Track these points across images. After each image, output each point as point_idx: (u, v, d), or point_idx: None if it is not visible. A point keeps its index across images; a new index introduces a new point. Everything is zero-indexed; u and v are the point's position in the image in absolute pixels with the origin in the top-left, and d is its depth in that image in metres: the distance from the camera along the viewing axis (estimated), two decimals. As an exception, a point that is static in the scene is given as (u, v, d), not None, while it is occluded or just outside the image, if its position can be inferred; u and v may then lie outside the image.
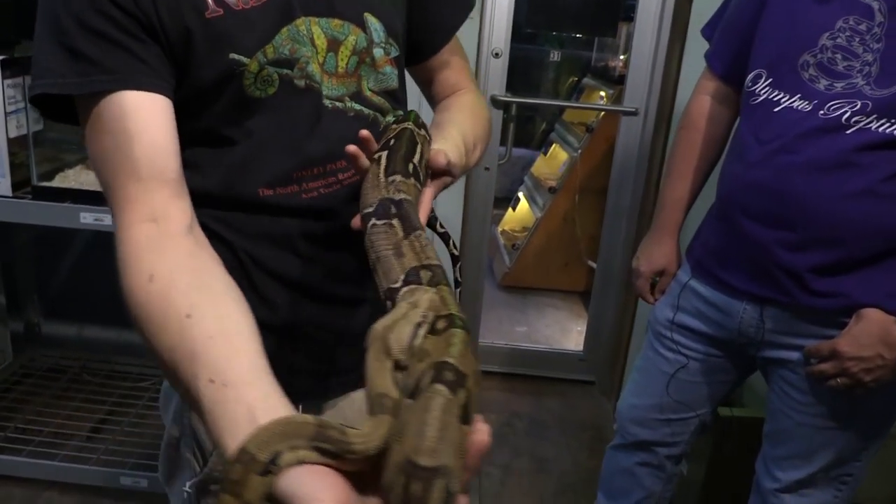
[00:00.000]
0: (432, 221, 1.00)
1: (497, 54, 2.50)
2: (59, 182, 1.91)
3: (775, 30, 1.26)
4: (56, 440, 2.14)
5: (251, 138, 0.81)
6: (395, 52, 0.89)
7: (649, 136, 2.56)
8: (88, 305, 2.56)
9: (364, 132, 0.79)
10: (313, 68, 0.81)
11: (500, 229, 3.97)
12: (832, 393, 1.26)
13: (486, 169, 2.65)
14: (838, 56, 1.18)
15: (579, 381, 2.94)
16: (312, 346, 0.91)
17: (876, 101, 1.14)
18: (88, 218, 1.81)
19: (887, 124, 1.13)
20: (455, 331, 0.55)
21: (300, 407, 0.90)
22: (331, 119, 0.84)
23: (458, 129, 0.88)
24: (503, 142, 2.67)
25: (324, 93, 0.83)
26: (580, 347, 2.98)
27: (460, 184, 2.48)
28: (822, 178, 1.17)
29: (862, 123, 1.15)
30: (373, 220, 0.70)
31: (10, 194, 1.84)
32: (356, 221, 0.76)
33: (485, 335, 2.92)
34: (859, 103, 1.15)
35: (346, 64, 0.84)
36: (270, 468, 0.47)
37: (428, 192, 0.78)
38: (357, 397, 0.97)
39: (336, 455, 0.48)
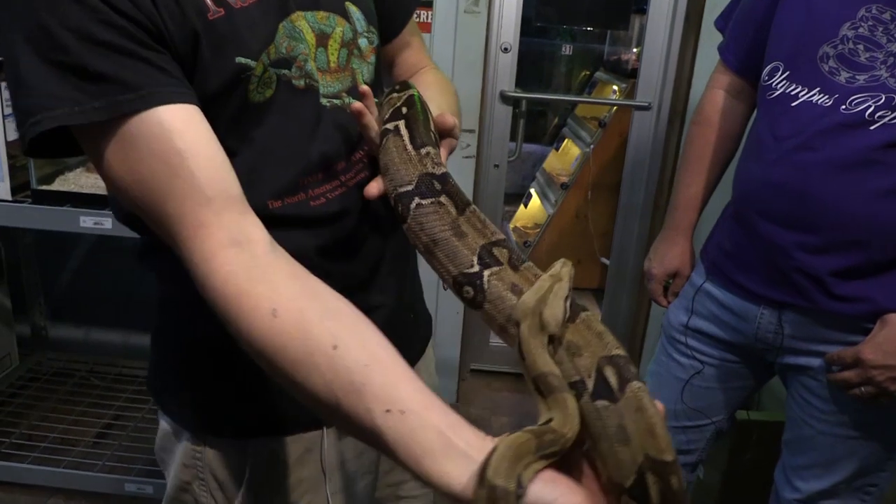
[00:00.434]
0: None
1: (506, 49, 2.45)
2: (59, 185, 1.88)
3: (792, 20, 1.19)
4: (62, 446, 2.12)
5: (253, 147, 0.75)
6: (376, 41, 0.86)
7: (663, 132, 2.51)
8: (95, 308, 2.55)
9: (364, 87, 0.76)
10: (311, 66, 0.77)
11: (511, 226, 3.92)
12: (855, 401, 1.20)
13: (496, 166, 2.60)
14: (860, 47, 1.12)
15: (593, 381, 2.88)
16: None
17: (901, 94, 1.07)
18: (88, 222, 1.78)
19: (913, 119, 1.07)
20: (588, 316, 0.57)
21: (324, 430, 0.88)
22: (330, 118, 0.79)
23: (435, 104, 0.85)
24: (513, 138, 2.62)
25: (321, 91, 0.78)
26: (593, 347, 2.92)
27: (469, 180, 2.44)
28: (845, 176, 1.11)
29: (887, 119, 1.08)
30: (416, 200, 0.66)
31: (10, 198, 1.81)
32: (372, 190, 0.73)
33: (496, 335, 2.87)
34: (884, 97, 1.08)
35: (337, 58, 0.80)
36: (520, 493, 0.49)
37: (444, 154, 0.75)
38: None
39: (558, 452, 0.52)
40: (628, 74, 3.35)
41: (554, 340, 0.57)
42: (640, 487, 0.51)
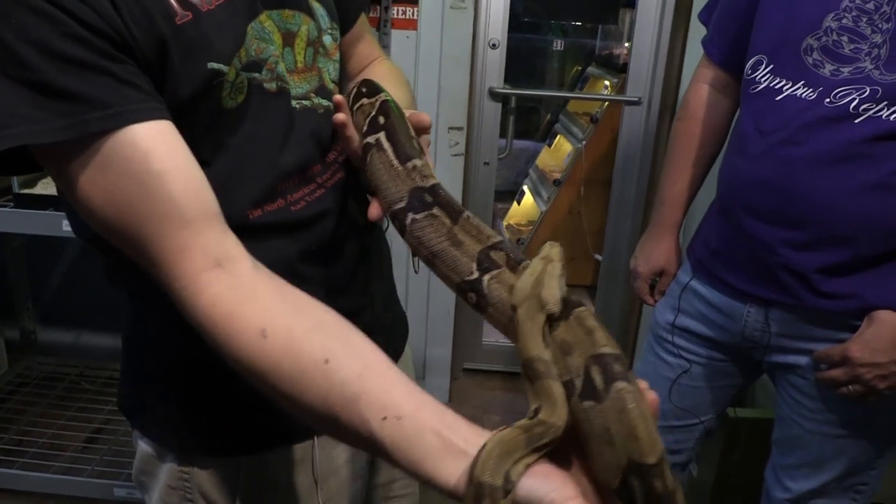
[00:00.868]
0: None
1: (494, 45, 2.43)
2: (41, 189, 1.86)
3: (775, 12, 1.17)
4: (50, 451, 2.11)
5: (227, 155, 0.72)
6: (339, 37, 0.84)
7: (653, 126, 2.49)
8: (85, 312, 2.53)
9: (338, 96, 0.74)
10: (282, 68, 0.74)
11: (505, 223, 3.90)
12: (844, 400, 1.18)
13: (486, 163, 2.58)
14: (844, 38, 1.09)
15: (586, 378, 2.87)
16: None
17: (886, 86, 1.05)
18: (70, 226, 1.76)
19: (899, 112, 1.05)
20: (581, 312, 0.56)
21: (315, 439, 0.86)
22: (301, 120, 0.77)
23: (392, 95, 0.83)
24: (503, 134, 2.60)
25: (291, 93, 0.76)
26: (587, 344, 2.91)
27: (458, 178, 2.42)
28: (830, 171, 1.09)
29: (871, 112, 1.06)
30: (411, 216, 0.66)
31: (-9, 202, 1.80)
32: (374, 213, 0.73)
33: (487, 333, 2.86)
34: (868, 89, 1.06)
35: (304, 57, 0.78)
36: (508, 488, 0.49)
37: (428, 160, 0.73)
38: None
39: (550, 443, 0.51)
40: (620, 69, 3.33)
41: (554, 320, 0.57)
42: (626, 491, 0.50)
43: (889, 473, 1.30)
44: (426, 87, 2.30)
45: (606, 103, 3.30)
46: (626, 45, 3.28)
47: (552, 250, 0.61)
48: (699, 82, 1.39)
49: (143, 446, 0.87)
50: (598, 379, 0.52)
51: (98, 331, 2.58)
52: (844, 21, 1.09)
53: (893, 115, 1.05)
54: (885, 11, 1.06)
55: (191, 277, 0.61)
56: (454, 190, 2.43)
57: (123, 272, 0.79)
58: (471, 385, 2.82)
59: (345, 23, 0.92)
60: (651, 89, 2.46)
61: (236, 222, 0.73)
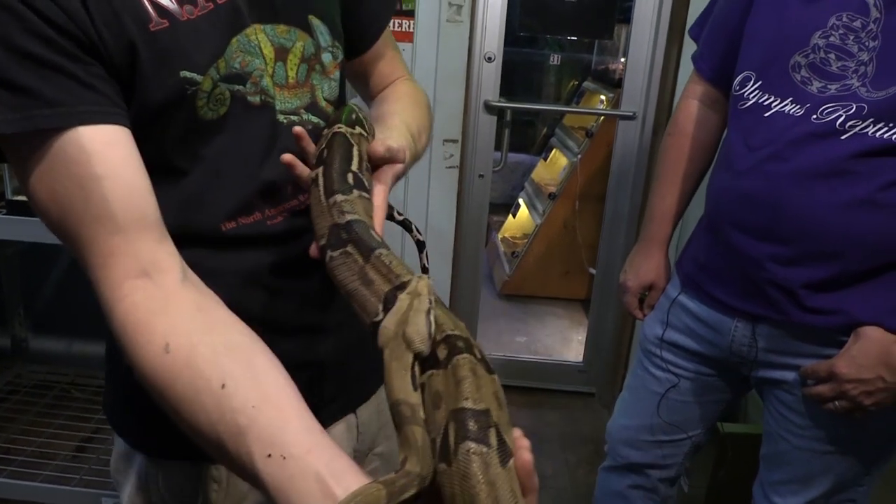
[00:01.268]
0: (389, 212, 0.95)
1: (490, 58, 2.44)
2: (34, 196, 1.86)
3: (763, 29, 1.18)
4: (39, 459, 2.09)
5: (205, 166, 0.72)
6: (341, 56, 0.83)
7: (648, 141, 2.50)
8: (76, 320, 2.51)
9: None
10: (267, 82, 0.74)
11: (500, 236, 3.91)
12: (831, 416, 1.18)
13: (481, 176, 2.59)
14: (832, 56, 1.10)
15: (579, 392, 2.86)
16: (309, 380, 0.84)
17: (872, 103, 1.06)
18: (63, 233, 1.76)
19: (885, 129, 1.05)
20: (458, 360, 0.52)
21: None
22: (287, 136, 0.76)
23: (401, 118, 0.83)
24: (498, 147, 2.61)
25: (277, 107, 0.76)
26: (580, 358, 2.91)
27: (453, 191, 2.43)
28: (816, 187, 1.09)
29: (858, 128, 1.06)
30: (329, 253, 0.65)
31: (-17, 209, 1.80)
32: (313, 251, 0.70)
33: (483, 346, 2.84)
34: (854, 106, 1.07)
35: (296, 73, 0.77)
36: None
37: (379, 189, 0.72)
38: (338, 430, 0.91)
39: (418, 495, 0.48)
40: (615, 84, 3.35)
41: (423, 359, 0.54)
42: None
43: (876, 490, 1.30)
44: (421, 99, 2.30)
45: (602, 118, 3.31)
46: (622, 60, 3.30)
47: (419, 283, 0.57)
48: (689, 98, 1.40)
49: (118, 444, 0.88)
50: (451, 438, 0.47)
51: (90, 339, 2.57)
52: (832, 39, 1.10)
53: (879, 132, 1.05)
54: (871, 30, 1.07)
55: (115, 283, 0.60)
56: (448, 202, 2.43)
57: None
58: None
59: (363, 41, 0.91)
60: (646, 104, 2.47)
61: (209, 232, 0.74)
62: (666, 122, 2.32)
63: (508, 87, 2.53)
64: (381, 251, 0.63)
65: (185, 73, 0.67)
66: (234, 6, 0.71)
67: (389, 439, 1.01)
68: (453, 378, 0.51)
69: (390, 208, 0.93)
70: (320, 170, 0.70)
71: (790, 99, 1.13)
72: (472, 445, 0.46)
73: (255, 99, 0.74)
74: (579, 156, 3.34)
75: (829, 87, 1.10)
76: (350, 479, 0.51)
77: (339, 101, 0.85)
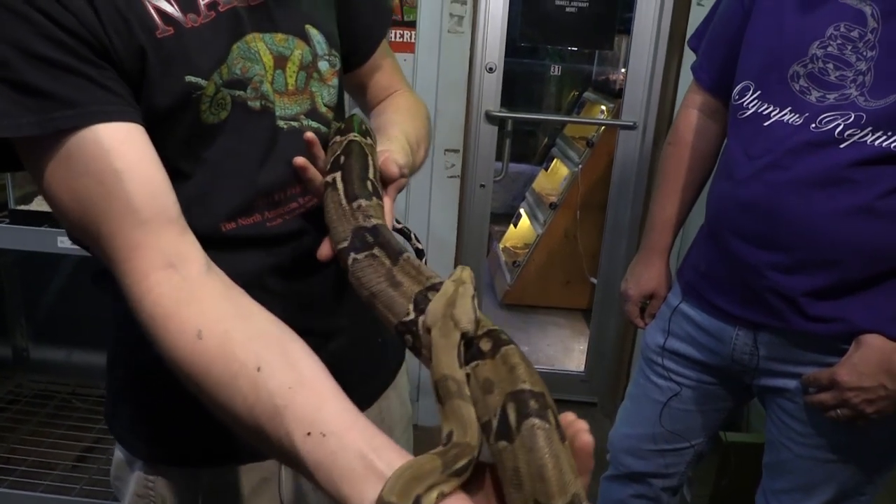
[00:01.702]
0: None
1: (491, 69, 2.45)
2: (37, 205, 1.87)
3: (762, 39, 1.19)
4: (40, 469, 2.09)
5: (206, 168, 0.74)
6: (338, 64, 0.85)
7: (648, 151, 2.51)
8: (77, 329, 2.51)
9: (309, 134, 0.75)
10: (267, 88, 0.76)
11: (501, 246, 3.91)
12: (833, 424, 1.18)
13: (482, 186, 2.59)
14: (830, 65, 1.11)
15: (581, 402, 2.86)
16: None
17: (870, 112, 1.06)
18: (66, 242, 1.77)
19: (883, 137, 1.06)
20: (507, 350, 0.54)
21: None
22: (286, 140, 0.78)
23: (400, 129, 0.84)
24: (499, 157, 2.61)
25: (277, 113, 0.77)
26: (582, 367, 2.90)
27: (454, 200, 2.44)
28: (816, 195, 1.10)
29: (856, 137, 1.07)
30: (352, 256, 0.66)
31: (-14, 219, 1.80)
32: (324, 252, 0.72)
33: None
34: (853, 115, 1.07)
35: (295, 80, 0.79)
36: None
37: (388, 202, 0.74)
38: None
39: (468, 465, 0.49)
40: (616, 94, 3.36)
41: (469, 342, 0.56)
42: None
43: (879, 499, 1.30)
44: (423, 109, 2.31)
45: (602, 128, 3.32)
46: (623, 70, 3.32)
47: (463, 273, 0.60)
48: (688, 108, 1.41)
49: (118, 453, 0.89)
50: (511, 416, 0.49)
51: (90, 349, 2.57)
52: (830, 49, 1.11)
53: (878, 141, 1.06)
54: (869, 39, 1.08)
55: (141, 276, 0.62)
56: (450, 212, 2.44)
57: (107, 274, 0.80)
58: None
59: (360, 52, 0.93)
60: (646, 114, 2.48)
61: (209, 233, 0.74)
62: (666, 132, 2.33)
63: (509, 97, 2.54)
64: (408, 255, 0.65)
65: (190, 78, 0.69)
66: (235, 14, 0.73)
67: None
68: (504, 365, 0.53)
69: None
70: (338, 175, 0.72)
71: (789, 108, 1.14)
72: (536, 421, 0.48)
73: (256, 104, 0.75)
74: (580, 166, 3.35)
75: (827, 96, 1.11)
76: (391, 454, 0.51)
77: (339, 107, 0.87)
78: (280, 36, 0.77)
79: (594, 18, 2.53)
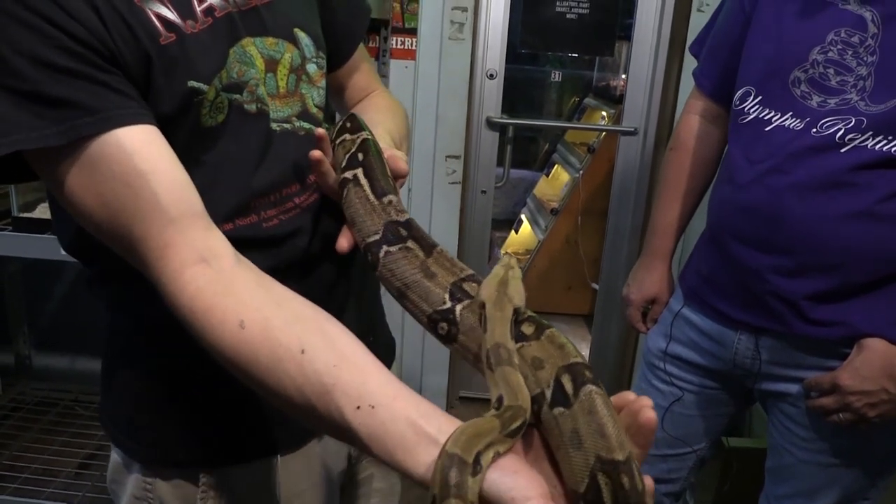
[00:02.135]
0: None
1: (492, 75, 2.46)
2: (40, 213, 1.88)
3: (763, 45, 1.19)
4: (43, 477, 2.09)
5: (204, 171, 0.75)
6: (325, 65, 0.86)
7: (649, 156, 2.52)
8: (80, 337, 2.52)
9: (320, 130, 0.76)
10: (262, 91, 0.77)
11: (502, 252, 3.91)
12: (835, 428, 1.18)
13: (483, 192, 2.60)
14: (831, 71, 1.12)
15: (583, 408, 2.85)
16: None
17: (871, 117, 1.07)
18: (69, 249, 1.77)
19: (884, 142, 1.06)
20: (552, 332, 0.59)
21: (277, 459, 0.86)
22: (280, 142, 0.79)
23: (384, 128, 0.86)
24: (500, 164, 2.62)
25: (270, 116, 0.79)
26: (584, 373, 2.90)
27: (456, 206, 2.44)
28: (816, 199, 1.10)
29: (857, 141, 1.08)
30: (385, 248, 0.69)
31: (-10, 226, 1.81)
32: (344, 245, 0.74)
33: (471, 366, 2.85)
34: (853, 120, 1.08)
35: (286, 83, 0.81)
36: (476, 469, 0.49)
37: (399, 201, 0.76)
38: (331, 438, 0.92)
39: (521, 426, 0.52)
40: (616, 100, 3.37)
41: (519, 317, 0.60)
42: (594, 490, 0.50)
43: (882, 503, 1.30)
44: (424, 115, 2.33)
45: (603, 134, 3.33)
46: (623, 76, 3.33)
47: (511, 260, 0.64)
48: (690, 113, 1.41)
49: (114, 456, 0.89)
50: (568, 385, 0.53)
51: (93, 356, 2.57)
52: (830, 54, 1.12)
53: (878, 145, 1.06)
54: (869, 45, 1.09)
55: (176, 273, 0.63)
56: (451, 218, 2.45)
57: (104, 282, 0.82)
58: (467, 413, 2.79)
59: (339, 54, 0.95)
60: (647, 120, 2.49)
61: None
62: (667, 138, 2.34)
63: (510, 103, 2.55)
64: (441, 248, 0.68)
65: (193, 84, 0.70)
66: (231, 19, 0.74)
67: None
68: (552, 344, 0.57)
69: None
70: (359, 171, 0.73)
71: (790, 113, 1.14)
72: (593, 388, 0.52)
73: (252, 107, 0.76)
74: (581, 171, 3.35)
75: (828, 101, 1.11)
76: (440, 419, 0.54)
77: (327, 108, 0.88)
78: (270, 40, 0.78)
79: (595, 25, 2.54)
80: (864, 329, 1.13)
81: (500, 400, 0.54)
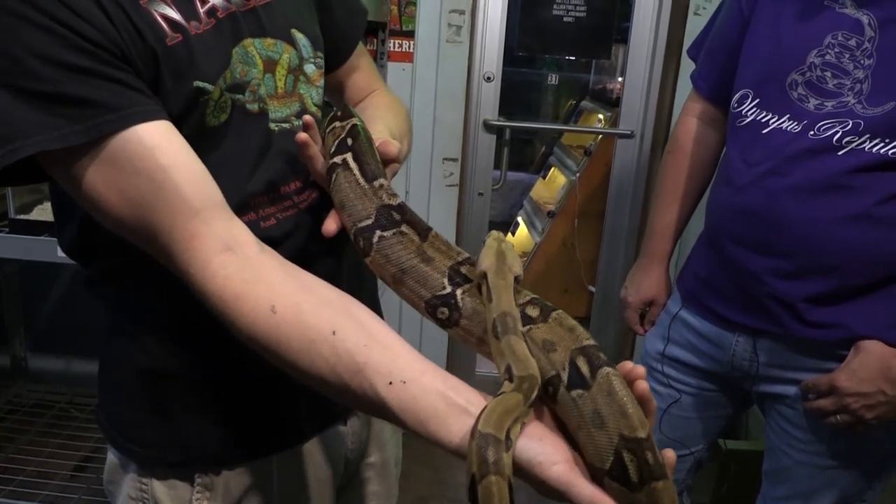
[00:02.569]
0: None
1: (489, 78, 2.46)
2: (37, 215, 1.87)
3: (760, 48, 1.20)
4: (38, 479, 2.08)
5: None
6: (323, 65, 0.87)
7: (646, 159, 2.53)
8: (76, 339, 2.51)
9: (307, 117, 0.77)
10: (264, 91, 0.78)
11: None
12: (832, 430, 1.18)
13: (480, 194, 2.60)
14: (828, 73, 1.12)
15: (580, 410, 2.85)
16: (294, 388, 0.86)
17: (868, 120, 1.08)
18: (66, 251, 1.77)
19: (881, 144, 1.07)
20: (559, 314, 0.61)
21: (274, 459, 0.87)
22: (279, 142, 0.80)
23: (384, 123, 0.87)
24: (497, 166, 2.62)
25: (270, 116, 0.79)
26: (581, 376, 2.90)
27: (453, 209, 2.45)
28: (814, 201, 1.11)
29: (854, 144, 1.08)
30: (378, 233, 0.68)
31: (-13, 228, 1.80)
32: (330, 228, 0.74)
33: (481, 365, 2.85)
34: (851, 123, 1.08)
35: (284, 84, 0.81)
36: (508, 445, 0.52)
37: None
38: (328, 438, 0.92)
39: (537, 396, 0.55)
40: (613, 103, 3.37)
41: (519, 285, 0.61)
42: (619, 467, 0.53)
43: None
44: (421, 118, 2.33)
45: (600, 136, 3.33)
46: (620, 79, 3.33)
47: (499, 234, 0.66)
48: (688, 116, 1.42)
49: (111, 456, 0.90)
50: (584, 368, 0.56)
51: (89, 358, 2.56)
52: (828, 57, 1.12)
53: (875, 148, 1.07)
54: (866, 48, 1.09)
55: (203, 263, 0.64)
56: (448, 220, 2.45)
57: (103, 282, 0.83)
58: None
59: (338, 54, 0.95)
60: (643, 123, 2.50)
61: None
62: (663, 141, 2.35)
63: (507, 106, 2.55)
64: (436, 232, 0.68)
65: (198, 83, 0.71)
66: (233, 19, 0.75)
67: (382, 449, 1.03)
68: (561, 327, 0.59)
69: None
70: (348, 155, 0.73)
71: (787, 116, 1.15)
72: (610, 370, 0.55)
73: (254, 107, 0.77)
74: (578, 174, 3.35)
75: (825, 104, 1.12)
76: (468, 391, 0.58)
77: (325, 106, 0.89)
78: (269, 40, 0.79)
79: (591, 28, 2.55)
80: (861, 331, 1.14)
81: (508, 370, 0.56)
